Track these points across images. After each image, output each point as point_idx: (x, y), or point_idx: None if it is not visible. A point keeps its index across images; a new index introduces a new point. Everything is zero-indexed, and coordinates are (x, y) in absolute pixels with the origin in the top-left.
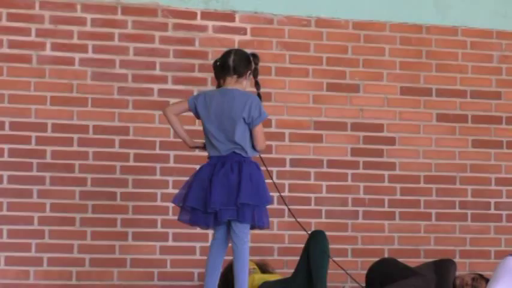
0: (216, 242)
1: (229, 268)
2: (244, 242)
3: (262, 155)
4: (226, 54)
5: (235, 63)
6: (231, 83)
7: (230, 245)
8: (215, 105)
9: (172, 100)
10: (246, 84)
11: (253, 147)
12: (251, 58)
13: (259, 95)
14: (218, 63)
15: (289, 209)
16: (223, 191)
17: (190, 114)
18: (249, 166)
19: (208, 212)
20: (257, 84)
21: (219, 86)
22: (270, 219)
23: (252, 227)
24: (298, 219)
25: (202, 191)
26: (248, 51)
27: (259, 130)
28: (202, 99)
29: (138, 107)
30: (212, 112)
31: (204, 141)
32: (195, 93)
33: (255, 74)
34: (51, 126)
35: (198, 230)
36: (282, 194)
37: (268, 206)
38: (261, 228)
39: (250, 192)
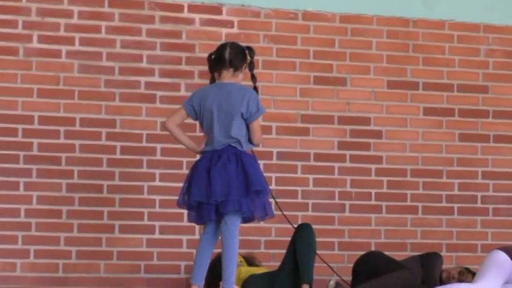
0: (206, 236)
1: (217, 260)
2: (234, 236)
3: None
4: (222, 48)
5: (231, 57)
6: (227, 77)
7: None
8: (211, 100)
9: (159, 93)
10: (241, 78)
11: (250, 140)
12: (246, 51)
13: (255, 88)
14: (213, 56)
15: (276, 203)
16: (223, 182)
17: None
18: (246, 157)
19: (210, 204)
20: (253, 78)
21: (213, 79)
22: None
23: (250, 220)
24: (285, 213)
25: (203, 184)
26: (242, 44)
27: (256, 125)
28: (198, 98)
29: (125, 99)
30: (208, 107)
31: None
32: (182, 86)
33: (251, 67)
34: (37, 119)
35: (185, 223)
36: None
37: None
38: (262, 219)
39: (259, 179)
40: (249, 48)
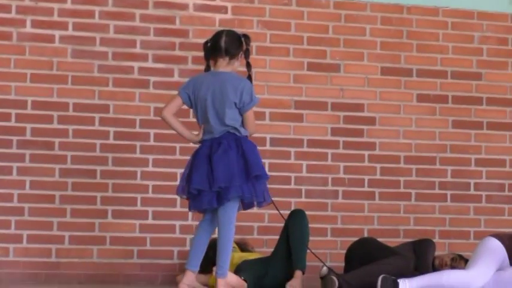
0: (205, 223)
1: (211, 246)
2: (231, 222)
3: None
4: (218, 35)
5: (227, 45)
6: (223, 65)
7: None
8: (205, 89)
9: (152, 78)
10: (236, 66)
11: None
12: (242, 39)
13: (249, 76)
14: (209, 44)
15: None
16: (225, 168)
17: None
18: (246, 142)
19: (212, 192)
20: (248, 66)
21: (208, 66)
22: None
23: (250, 206)
24: (279, 199)
25: (204, 171)
26: (238, 32)
27: (250, 115)
28: (193, 86)
29: (118, 85)
30: (202, 96)
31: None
32: (176, 72)
33: (247, 55)
34: (31, 104)
35: (178, 209)
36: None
37: None
38: (260, 205)
39: (259, 165)
40: (245, 36)
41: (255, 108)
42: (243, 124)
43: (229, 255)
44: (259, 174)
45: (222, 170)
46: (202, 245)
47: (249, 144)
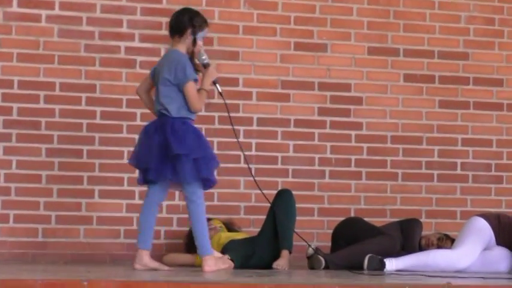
0: (146, 200)
1: None
2: (191, 201)
3: (231, 114)
4: (173, 15)
5: (173, 23)
6: (174, 44)
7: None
8: (158, 68)
9: (139, 58)
10: (188, 43)
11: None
12: (190, 16)
13: (193, 53)
14: None
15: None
16: (145, 150)
17: None
18: (171, 123)
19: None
20: (194, 42)
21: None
22: (237, 177)
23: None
24: (265, 179)
25: (136, 149)
26: (194, 9)
27: (188, 91)
28: (158, 63)
29: (105, 64)
30: (156, 74)
31: None
32: (162, 51)
33: (193, 31)
34: (17, 83)
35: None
36: (249, 153)
37: (234, 165)
38: (206, 184)
39: (180, 144)
40: (195, 13)
41: (241, 88)
42: (180, 103)
43: (204, 234)
44: (177, 154)
45: (144, 153)
46: (149, 222)
47: (176, 124)
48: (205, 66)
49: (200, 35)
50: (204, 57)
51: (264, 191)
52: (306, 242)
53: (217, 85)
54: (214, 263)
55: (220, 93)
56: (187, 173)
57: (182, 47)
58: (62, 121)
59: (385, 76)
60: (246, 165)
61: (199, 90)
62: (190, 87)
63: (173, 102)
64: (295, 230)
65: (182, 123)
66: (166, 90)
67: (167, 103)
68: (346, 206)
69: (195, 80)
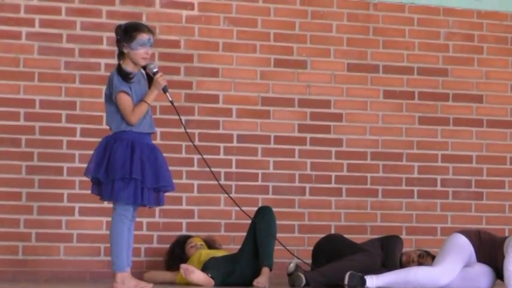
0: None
1: (176, 242)
2: (112, 218)
3: (211, 131)
4: None
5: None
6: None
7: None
8: None
9: None
10: (132, 56)
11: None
12: (116, 31)
13: (119, 65)
14: None
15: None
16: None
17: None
18: (107, 142)
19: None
20: (119, 56)
21: None
22: (217, 195)
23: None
24: (246, 195)
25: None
26: (131, 21)
27: (119, 104)
28: None
29: (85, 81)
30: None
31: None
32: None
33: (118, 45)
34: None
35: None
36: (229, 170)
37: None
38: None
39: (97, 167)
40: (119, 27)
41: (222, 105)
42: (117, 118)
43: (115, 249)
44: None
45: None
46: (126, 242)
47: (106, 142)
48: (154, 75)
49: (136, 44)
50: (152, 66)
51: (245, 208)
52: (291, 253)
53: (168, 93)
54: (123, 281)
55: (171, 102)
56: (103, 191)
57: (127, 62)
58: (42, 138)
59: (364, 92)
60: (226, 182)
61: (140, 102)
62: (119, 99)
63: (113, 117)
64: (280, 242)
65: (114, 141)
66: (108, 106)
67: (108, 118)
68: (326, 223)
69: (126, 92)
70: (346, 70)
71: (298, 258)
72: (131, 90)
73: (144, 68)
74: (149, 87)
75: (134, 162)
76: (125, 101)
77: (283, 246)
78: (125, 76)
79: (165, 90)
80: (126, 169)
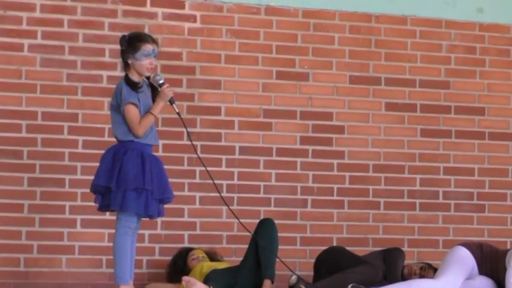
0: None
1: (178, 255)
2: (116, 229)
3: (213, 143)
4: None
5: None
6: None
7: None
8: None
9: None
10: (133, 68)
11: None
12: (120, 42)
13: (126, 76)
14: None
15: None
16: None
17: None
18: (116, 151)
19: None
20: (126, 65)
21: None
22: (219, 207)
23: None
24: (248, 208)
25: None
26: (135, 31)
27: (126, 115)
28: None
29: (87, 93)
30: None
31: None
32: None
33: (122, 56)
34: None
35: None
36: (231, 182)
37: (217, 194)
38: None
39: (107, 177)
40: (123, 38)
41: (224, 117)
42: (124, 129)
43: (117, 262)
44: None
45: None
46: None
47: (116, 152)
48: (161, 86)
49: (140, 55)
50: (158, 78)
51: (246, 220)
52: (290, 269)
53: (174, 105)
54: None
55: (177, 113)
56: (113, 200)
57: (131, 72)
58: (44, 150)
59: (366, 105)
60: (228, 194)
61: (146, 114)
62: (127, 111)
63: (120, 127)
64: (279, 258)
65: (124, 153)
66: (114, 116)
67: (114, 129)
68: (328, 235)
69: (135, 104)
70: (348, 82)
71: (297, 275)
72: (139, 101)
73: (148, 78)
74: (152, 98)
75: (146, 173)
76: (133, 113)
77: (283, 262)
78: (134, 86)
79: (171, 101)
80: (139, 180)
